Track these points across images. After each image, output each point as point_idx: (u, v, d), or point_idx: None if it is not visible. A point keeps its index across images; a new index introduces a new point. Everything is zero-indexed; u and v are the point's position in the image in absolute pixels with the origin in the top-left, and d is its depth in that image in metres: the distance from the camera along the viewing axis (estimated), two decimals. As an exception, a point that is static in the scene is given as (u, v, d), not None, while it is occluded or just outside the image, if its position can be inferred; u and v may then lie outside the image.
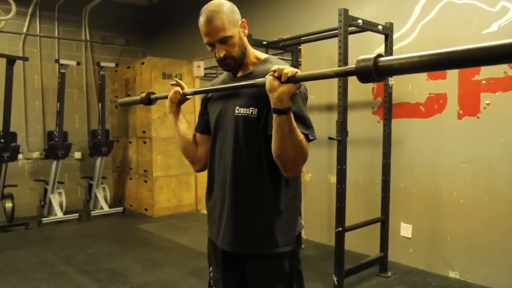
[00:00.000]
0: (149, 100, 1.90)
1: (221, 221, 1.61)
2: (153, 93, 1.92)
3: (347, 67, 1.18)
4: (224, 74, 1.71)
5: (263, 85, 1.35)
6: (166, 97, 1.76)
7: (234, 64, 1.55)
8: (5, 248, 4.58)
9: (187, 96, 1.73)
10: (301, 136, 1.39)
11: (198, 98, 4.52)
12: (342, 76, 1.18)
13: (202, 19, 1.50)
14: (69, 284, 3.55)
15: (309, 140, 1.44)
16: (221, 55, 1.51)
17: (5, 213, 5.37)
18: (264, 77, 1.38)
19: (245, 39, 1.57)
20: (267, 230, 1.53)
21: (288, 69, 1.28)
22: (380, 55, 1.10)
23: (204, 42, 1.53)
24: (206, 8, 1.50)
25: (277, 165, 1.44)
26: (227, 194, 1.58)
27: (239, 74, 1.61)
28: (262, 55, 1.63)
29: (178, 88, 1.73)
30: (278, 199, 1.53)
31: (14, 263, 4.06)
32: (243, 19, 1.55)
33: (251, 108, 1.50)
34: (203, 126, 1.76)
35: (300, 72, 1.30)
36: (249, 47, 1.59)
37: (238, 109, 1.53)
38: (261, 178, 1.52)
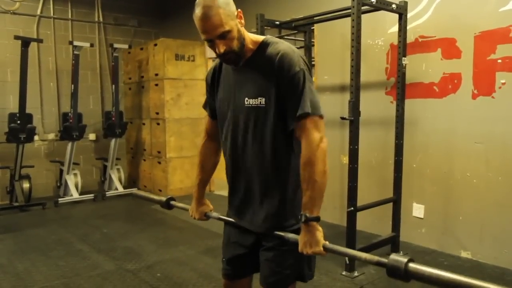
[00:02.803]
0: (168, 205, 2.11)
1: (247, 206, 1.65)
2: (173, 199, 2.13)
3: (379, 258, 1.33)
4: None
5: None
6: (186, 209, 1.96)
7: (235, 57, 1.52)
8: (24, 226, 4.71)
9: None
10: (320, 168, 1.45)
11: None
12: (372, 264, 1.36)
13: (197, 15, 1.44)
14: (85, 261, 3.65)
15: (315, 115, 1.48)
16: (222, 50, 1.47)
17: (22, 193, 5.49)
18: (269, 63, 1.48)
19: (243, 29, 1.53)
20: (292, 208, 1.57)
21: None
22: (411, 260, 1.23)
23: (201, 38, 1.49)
24: (200, 3, 1.44)
25: (292, 145, 1.53)
26: (252, 182, 1.61)
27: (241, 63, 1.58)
28: (258, 38, 1.58)
29: (203, 210, 1.93)
30: (297, 178, 1.55)
31: (32, 241, 4.17)
32: (239, 10, 1.52)
33: (259, 98, 1.52)
34: (214, 112, 1.75)
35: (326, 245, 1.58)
36: (246, 35, 1.55)
37: (247, 100, 1.54)
38: (280, 161, 1.56)
